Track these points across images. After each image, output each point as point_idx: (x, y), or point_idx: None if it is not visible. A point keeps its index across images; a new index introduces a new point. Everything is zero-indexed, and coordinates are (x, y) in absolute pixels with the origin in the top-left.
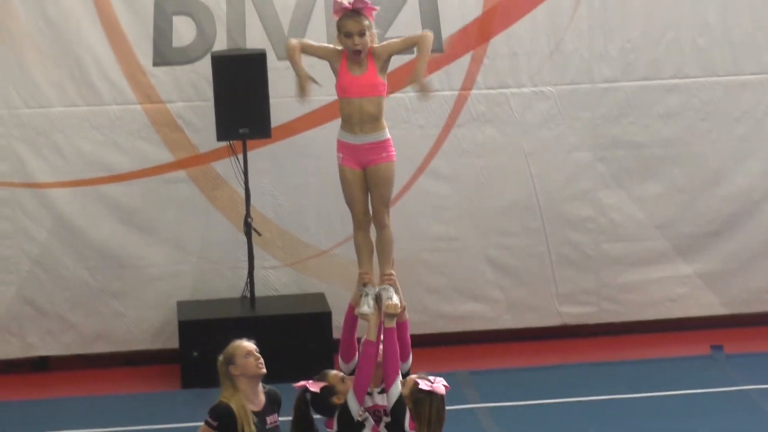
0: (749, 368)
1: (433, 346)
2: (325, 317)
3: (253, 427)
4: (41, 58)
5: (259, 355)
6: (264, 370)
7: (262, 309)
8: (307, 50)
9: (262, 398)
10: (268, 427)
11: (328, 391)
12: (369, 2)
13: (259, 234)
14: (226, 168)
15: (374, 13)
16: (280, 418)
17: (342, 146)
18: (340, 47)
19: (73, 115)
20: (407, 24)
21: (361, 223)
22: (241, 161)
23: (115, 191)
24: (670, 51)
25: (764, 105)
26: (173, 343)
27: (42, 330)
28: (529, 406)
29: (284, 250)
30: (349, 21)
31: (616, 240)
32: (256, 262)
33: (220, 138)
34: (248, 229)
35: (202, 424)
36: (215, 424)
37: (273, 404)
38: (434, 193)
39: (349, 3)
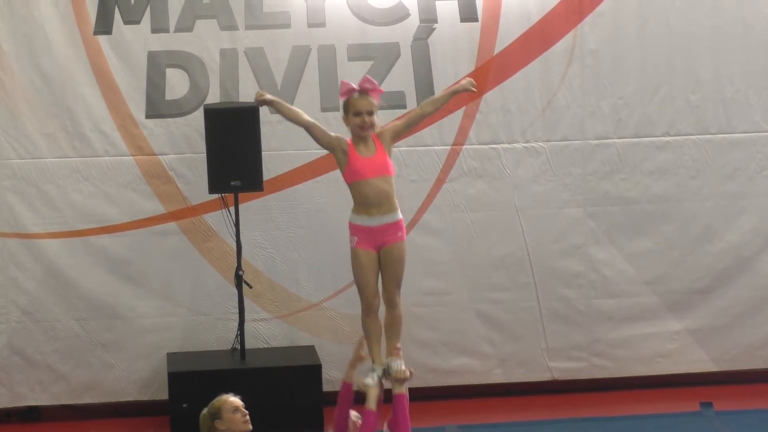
0: (739, 425)
1: (423, 400)
2: (316, 370)
3: None
4: (34, 110)
5: (246, 411)
6: (250, 426)
7: (252, 361)
8: (315, 133)
9: None
10: None
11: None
12: (377, 84)
13: (249, 286)
14: (218, 220)
15: (380, 95)
16: None
17: (356, 229)
18: (342, 136)
19: (65, 166)
20: (400, 80)
21: (370, 307)
22: (233, 213)
23: (105, 242)
24: (663, 108)
25: (756, 163)
26: (163, 394)
27: (31, 380)
28: None
29: (275, 303)
30: (358, 100)
31: (607, 296)
32: (247, 315)
33: (212, 191)
34: (239, 281)
35: None
36: None
37: None
38: (425, 247)
39: (358, 84)
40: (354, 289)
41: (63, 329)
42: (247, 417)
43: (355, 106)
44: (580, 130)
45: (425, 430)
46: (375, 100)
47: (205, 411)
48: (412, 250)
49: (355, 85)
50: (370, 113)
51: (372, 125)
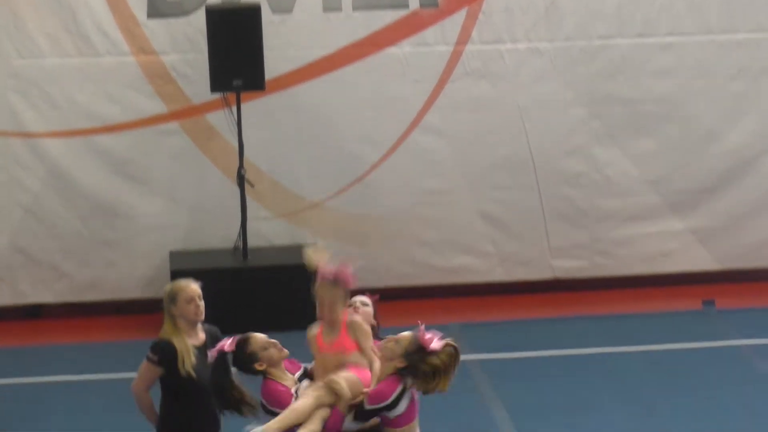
0: (740, 323)
1: (425, 298)
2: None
3: (193, 359)
4: (36, 10)
5: (201, 302)
6: (202, 317)
7: (254, 260)
8: None
9: (202, 336)
10: (209, 361)
11: (250, 357)
12: (349, 276)
13: (252, 185)
14: (220, 120)
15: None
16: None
17: None
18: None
19: (67, 66)
20: None
21: None
22: (235, 113)
23: (108, 142)
24: (666, 7)
25: (759, 63)
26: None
27: (34, 278)
28: (520, 359)
29: (277, 202)
30: (321, 289)
31: (609, 195)
32: (249, 213)
33: (214, 90)
34: (241, 180)
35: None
36: (156, 358)
37: (214, 341)
38: (427, 147)
39: (331, 273)
40: (357, 186)
41: (66, 228)
42: (201, 309)
43: (319, 295)
44: (583, 31)
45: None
46: (342, 290)
47: (167, 289)
48: (414, 150)
49: (329, 274)
50: (333, 304)
51: (330, 315)
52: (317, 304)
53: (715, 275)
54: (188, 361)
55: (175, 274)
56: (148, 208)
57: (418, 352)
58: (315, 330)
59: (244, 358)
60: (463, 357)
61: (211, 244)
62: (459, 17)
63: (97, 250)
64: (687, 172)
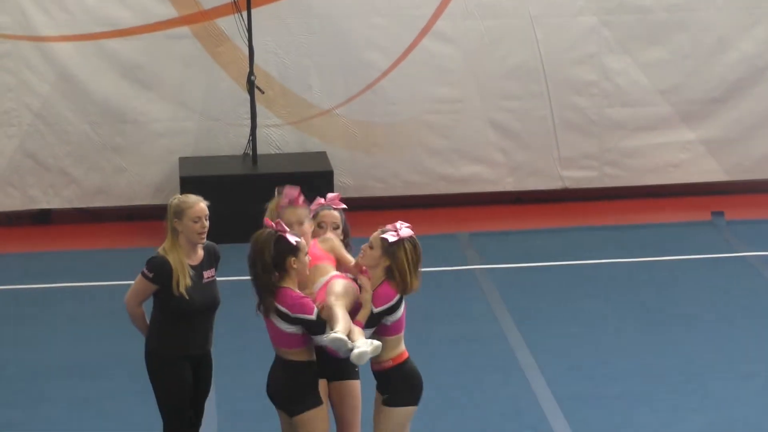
0: (749, 234)
1: (434, 207)
2: (327, 175)
3: (188, 280)
4: None
5: (206, 223)
6: (203, 241)
7: (263, 167)
8: None
9: (201, 253)
10: (204, 281)
11: (295, 249)
12: (298, 196)
13: (262, 92)
14: (230, 25)
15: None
16: (219, 277)
17: None
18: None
19: None
20: None
21: None
22: (245, 18)
23: (117, 46)
24: None
25: None
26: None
27: (44, 183)
28: (528, 269)
29: (287, 109)
30: (287, 213)
31: (620, 105)
32: (259, 120)
33: None
34: (251, 86)
35: None
36: (151, 275)
37: (211, 259)
38: (438, 54)
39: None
40: (366, 94)
41: (75, 133)
42: (204, 231)
43: (285, 218)
44: None
45: (437, 237)
46: (304, 211)
47: (174, 201)
48: (424, 57)
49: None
50: (300, 224)
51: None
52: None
53: (724, 186)
54: (183, 282)
55: (185, 181)
56: (158, 114)
57: (392, 245)
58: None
59: (295, 248)
60: (472, 266)
61: (221, 150)
62: None
63: (107, 155)
64: (698, 82)
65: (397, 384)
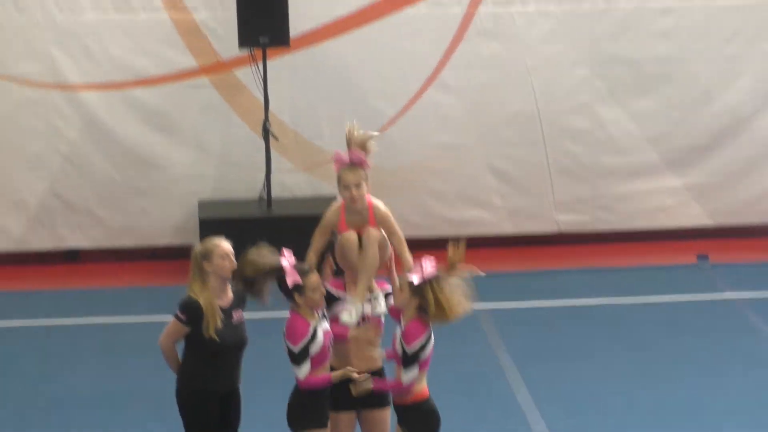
0: (733, 277)
1: (436, 248)
2: None
3: (219, 323)
4: None
5: (234, 260)
6: (230, 274)
7: (277, 209)
8: (318, 247)
9: (230, 295)
10: (233, 322)
11: (297, 288)
12: (365, 158)
13: (276, 139)
14: (247, 75)
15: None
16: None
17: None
18: (336, 207)
19: (104, 21)
20: None
21: None
22: (261, 69)
23: (142, 94)
24: None
25: (754, 27)
26: (194, 239)
27: (72, 223)
28: (525, 308)
29: (300, 155)
30: (346, 173)
31: (612, 152)
32: (273, 166)
33: (241, 46)
34: (266, 134)
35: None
36: (184, 318)
37: (240, 301)
38: (441, 103)
39: (348, 157)
40: (376, 143)
41: (101, 176)
42: (234, 265)
43: (344, 179)
44: None
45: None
46: (365, 171)
47: (198, 248)
48: (429, 106)
49: (346, 158)
50: (358, 185)
51: (360, 197)
52: (340, 188)
53: (709, 230)
54: (213, 324)
55: (203, 222)
56: (179, 159)
57: (418, 286)
58: (336, 215)
59: (294, 286)
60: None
61: (238, 194)
62: None
63: (131, 197)
64: (684, 131)
65: (417, 420)
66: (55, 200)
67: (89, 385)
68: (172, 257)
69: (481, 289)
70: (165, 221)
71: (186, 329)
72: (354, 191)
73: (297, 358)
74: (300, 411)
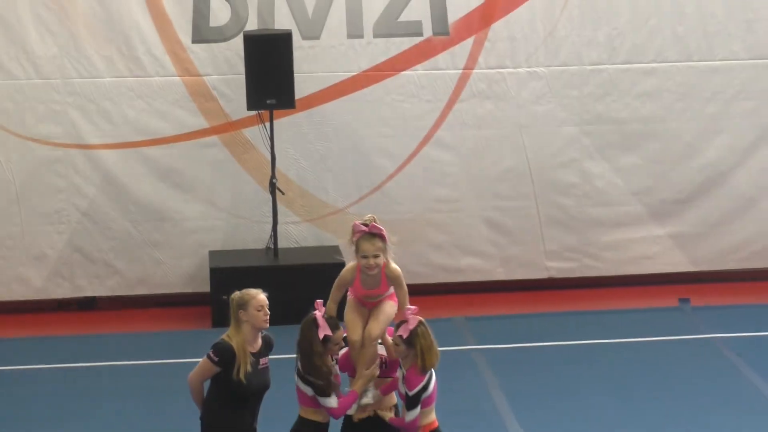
0: (713, 319)
1: (435, 294)
2: (340, 266)
3: (249, 367)
4: (93, 34)
5: (268, 311)
6: (267, 325)
7: (284, 259)
8: (337, 299)
9: (260, 342)
10: (260, 367)
11: (326, 340)
12: (383, 229)
13: (282, 193)
14: (255, 135)
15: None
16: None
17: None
18: (352, 266)
19: (120, 85)
20: (418, 10)
21: (354, 345)
22: (268, 128)
23: (156, 153)
24: (651, 37)
25: (733, 87)
26: (205, 287)
27: (90, 274)
28: (518, 349)
29: (304, 208)
30: (365, 243)
31: (599, 204)
32: (280, 218)
33: (250, 108)
34: (273, 188)
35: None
36: (216, 359)
37: (267, 348)
38: (438, 160)
39: (366, 227)
40: (375, 194)
41: (118, 229)
42: (268, 317)
43: (362, 248)
44: (577, 57)
45: (436, 321)
46: (383, 242)
47: (236, 296)
48: (426, 163)
49: (365, 227)
50: (376, 255)
51: (377, 266)
52: (357, 257)
53: (690, 276)
54: (243, 369)
55: (214, 272)
56: (191, 213)
57: (409, 339)
58: (352, 274)
59: (323, 339)
60: (468, 347)
61: (246, 244)
62: (467, 44)
63: (145, 249)
64: (667, 184)
65: None
66: (74, 253)
67: (104, 425)
68: (185, 304)
69: (477, 331)
70: (178, 271)
71: (217, 369)
72: (371, 261)
73: (321, 391)
74: None
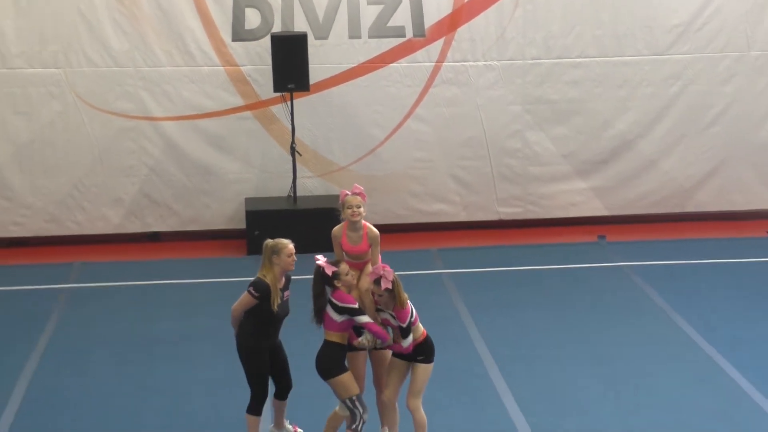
0: (624, 251)
1: (414, 231)
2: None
3: (279, 300)
4: (157, 34)
5: (295, 258)
6: (294, 268)
7: (301, 204)
8: (339, 253)
9: (284, 279)
10: (284, 298)
11: (335, 275)
12: (362, 189)
13: (300, 154)
14: (279, 111)
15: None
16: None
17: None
18: (340, 225)
19: (178, 73)
20: (402, 17)
21: None
22: (290, 106)
23: (204, 124)
24: (576, 39)
25: (638, 77)
26: (242, 225)
27: (155, 214)
28: (478, 273)
29: (316, 166)
30: (350, 198)
31: (537, 164)
32: (298, 173)
33: (275, 90)
34: (293, 151)
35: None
36: (257, 295)
37: (288, 283)
38: (417, 130)
39: (350, 191)
40: (370, 156)
41: (176, 181)
42: (295, 262)
43: (348, 203)
44: (521, 54)
45: (415, 252)
46: (363, 202)
47: (270, 242)
48: (408, 133)
49: (348, 192)
50: (358, 206)
51: (360, 215)
52: (344, 211)
53: (606, 219)
54: (276, 301)
55: (249, 213)
56: (231, 168)
57: (392, 289)
58: (340, 231)
59: (332, 275)
60: (439, 271)
61: (273, 193)
62: (439, 44)
63: (197, 196)
64: (588, 149)
65: (427, 349)
66: (143, 198)
67: (171, 328)
68: (226, 238)
69: (446, 259)
70: (221, 212)
71: (255, 302)
72: (356, 209)
73: (358, 312)
74: (328, 361)
